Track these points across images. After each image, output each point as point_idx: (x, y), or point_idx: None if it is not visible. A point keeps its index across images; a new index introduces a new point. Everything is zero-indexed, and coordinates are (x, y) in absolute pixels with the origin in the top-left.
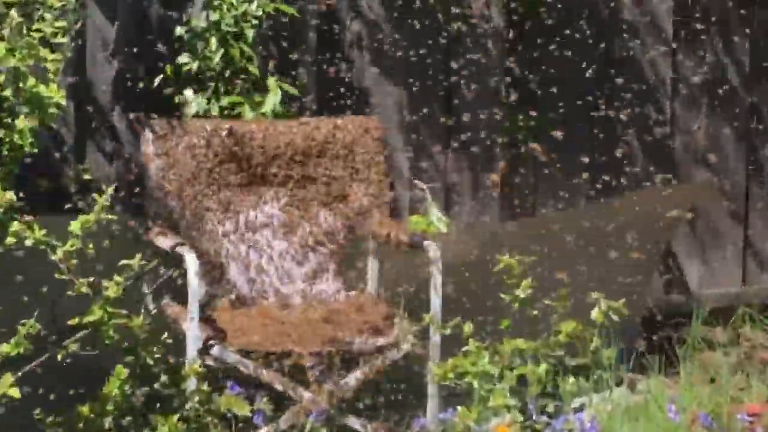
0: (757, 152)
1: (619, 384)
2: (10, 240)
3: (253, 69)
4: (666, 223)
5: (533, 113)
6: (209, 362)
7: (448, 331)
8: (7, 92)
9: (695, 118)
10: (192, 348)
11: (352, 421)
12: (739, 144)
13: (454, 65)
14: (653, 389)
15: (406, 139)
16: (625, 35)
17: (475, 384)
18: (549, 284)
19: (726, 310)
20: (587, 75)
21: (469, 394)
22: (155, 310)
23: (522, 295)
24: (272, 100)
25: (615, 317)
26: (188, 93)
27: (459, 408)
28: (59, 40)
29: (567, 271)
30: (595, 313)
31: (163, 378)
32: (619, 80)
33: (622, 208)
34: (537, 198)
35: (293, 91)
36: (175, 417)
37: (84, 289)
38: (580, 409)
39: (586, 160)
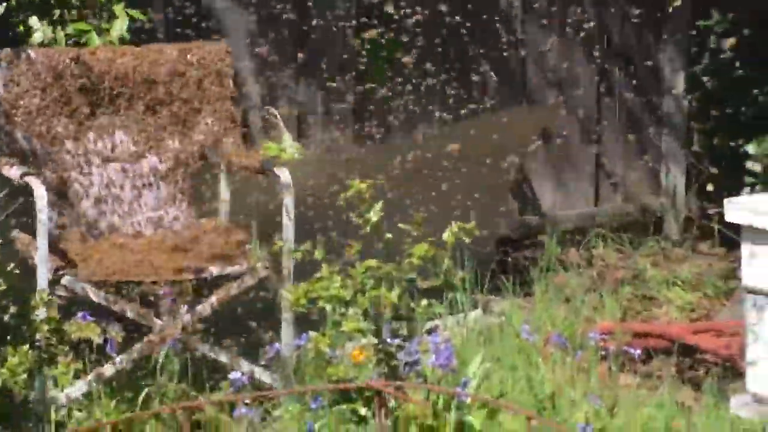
0: (607, 73)
1: (474, 306)
2: None
3: None
4: (518, 146)
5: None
6: (60, 292)
7: (299, 256)
8: None
9: (546, 39)
10: (42, 278)
11: (206, 349)
12: (589, 65)
13: None
14: (508, 311)
15: (257, 65)
16: None
17: (328, 308)
18: (404, 209)
19: (579, 231)
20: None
21: (325, 320)
22: (2, 241)
23: (373, 219)
24: (119, 27)
25: (467, 239)
26: (33, 21)
27: (312, 333)
28: None
29: (421, 196)
30: (446, 235)
31: (13, 309)
32: (470, 4)
33: (475, 132)
34: (390, 123)
35: (141, 16)
36: (26, 347)
37: None
38: (434, 331)
39: (438, 84)
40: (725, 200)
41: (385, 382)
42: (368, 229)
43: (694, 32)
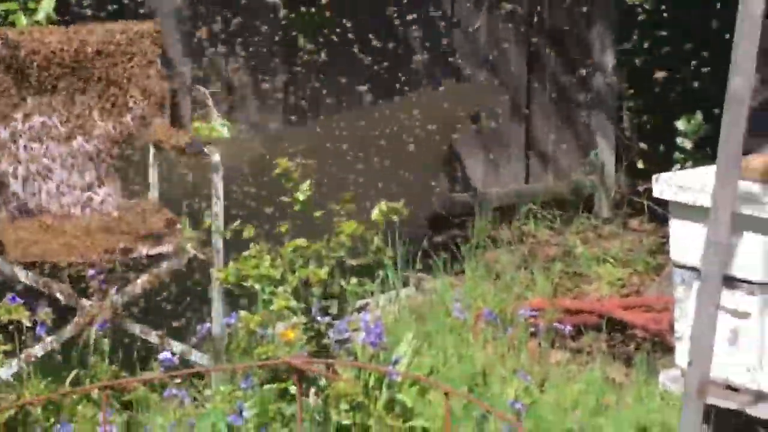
0: (537, 51)
1: (405, 284)
2: None
3: None
4: (449, 124)
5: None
6: None
7: (228, 235)
8: None
9: (475, 18)
10: None
11: (137, 329)
12: (519, 44)
13: None
14: (439, 288)
15: (186, 44)
16: None
17: (258, 287)
18: (335, 188)
19: (510, 208)
20: None
21: (257, 300)
22: None
23: (301, 198)
24: (46, 7)
25: (395, 217)
26: None
27: (242, 312)
28: None
29: (352, 174)
30: (374, 214)
31: None
32: None
33: (406, 110)
34: (321, 102)
35: None
36: None
37: None
38: (364, 309)
39: (368, 63)
40: (653, 176)
41: (305, 359)
42: (297, 207)
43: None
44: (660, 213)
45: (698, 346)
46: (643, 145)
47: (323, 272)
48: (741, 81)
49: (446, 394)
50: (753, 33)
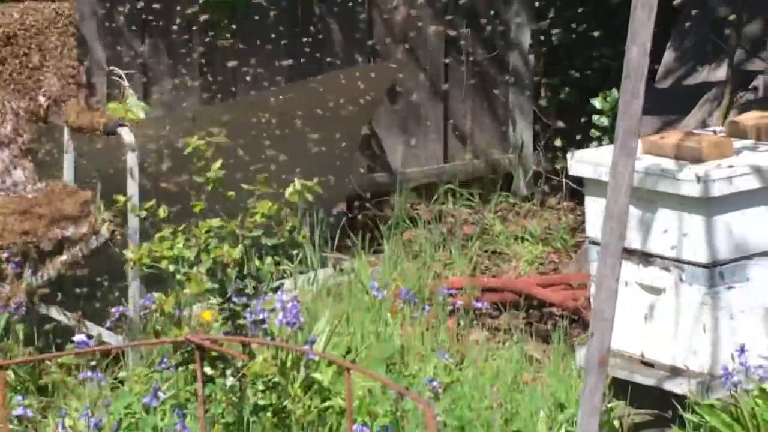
0: (454, 30)
1: (324, 264)
2: None
3: None
4: (366, 103)
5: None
6: None
7: (143, 214)
8: None
9: None
10: None
11: (52, 312)
12: (436, 21)
13: None
14: (357, 268)
15: (101, 25)
16: None
17: (171, 268)
18: (253, 168)
19: (429, 187)
20: None
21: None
22: None
23: (213, 177)
24: None
25: (310, 197)
26: None
27: (157, 294)
28: None
29: (269, 154)
30: (289, 193)
31: None
32: None
33: (323, 89)
34: (237, 82)
35: None
36: None
37: None
38: (279, 289)
39: (285, 42)
40: (568, 154)
41: (205, 336)
42: (210, 187)
43: None
44: (578, 191)
45: (599, 317)
46: (560, 124)
47: (237, 251)
48: (637, 51)
49: (348, 369)
50: (648, 3)
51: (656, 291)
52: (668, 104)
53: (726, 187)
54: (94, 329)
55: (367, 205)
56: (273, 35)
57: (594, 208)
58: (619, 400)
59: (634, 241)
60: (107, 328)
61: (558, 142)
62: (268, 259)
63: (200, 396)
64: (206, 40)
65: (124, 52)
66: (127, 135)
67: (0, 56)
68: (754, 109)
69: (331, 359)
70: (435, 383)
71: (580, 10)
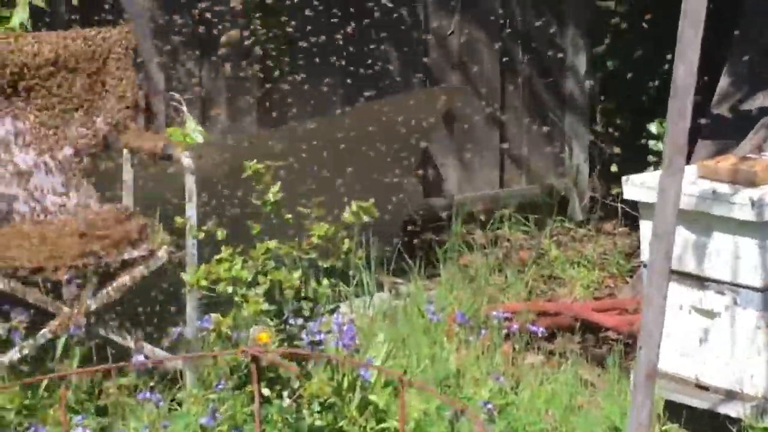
0: (510, 55)
1: (380, 288)
2: None
3: None
4: (423, 128)
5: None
6: None
7: (201, 236)
8: None
9: (448, 23)
10: None
11: (111, 333)
12: (492, 48)
13: None
14: (413, 292)
15: (159, 51)
16: None
17: (229, 290)
18: (310, 191)
19: (484, 212)
20: None
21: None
22: None
23: (271, 200)
24: (20, 15)
25: (366, 218)
26: None
27: (215, 315)
28: None
29: (327, 177)
30: (346, 215)
31: None
32: None
33: (380, 114)
34: (295, 106)
35: (41, 4)
36: None
37: None
38: (336, 311)
39: (341, 67)
40: (623, 178)
41: (261, 348)
42: (268, 209)
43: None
44: (633, 216)
45: (647, 333)
46: (616, 149)
47: (296, 277)
48: (684, 69)
49: (401, 380)
50: (696, 22)
51: (711, 314)
52: (724, 130)
53: None
54: (152, 350)
55: (423, 229)
56: (329, 60)
57: (648, 232)
58: (674, 423)
59: (688, 264)
60: (165, 349)
61: (614, 168)
62: (325, 281)
63: (257, 410)
64: (264, 64)
65: (182, 76)
66: (185, 159)
67: (59, 81)
68: None
69: (385, 371)
70: (490, 406)
71: (635, 36)
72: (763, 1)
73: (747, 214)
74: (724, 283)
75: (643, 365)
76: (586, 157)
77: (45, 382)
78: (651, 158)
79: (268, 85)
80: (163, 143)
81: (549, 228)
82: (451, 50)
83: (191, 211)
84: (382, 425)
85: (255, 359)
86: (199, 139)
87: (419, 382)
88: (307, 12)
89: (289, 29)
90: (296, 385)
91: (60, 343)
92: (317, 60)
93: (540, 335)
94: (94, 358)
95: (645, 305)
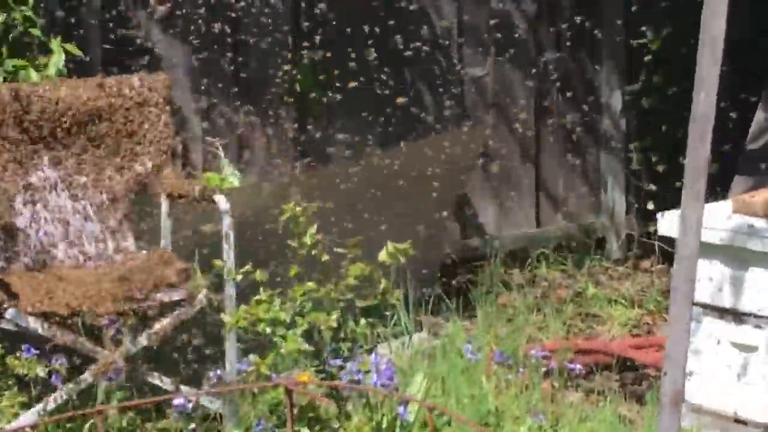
0: (545, 94)
1: (418, 328)
2: None
3: (36, 32)
4: (460, 168)
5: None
6: (4, 326)
7: (239, 278)
8: None
9: (483, 63)
10: None
11: (152, 377)
12: (526, 88)
13: (241, 23)
14: (451, 331)
15: (195, 97)
16: None
17: (268, 330)
18: (347, 232)
19: (521, 251)
20: (372, 28)
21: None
22: None
23: (308, 242)
24: (56, 62)
25: (402, 259)
26: None
27: (253, 357)
28: None
29: (364, 218)
30: (382, 255)
31: None
32: (408, 28)
33: (416, 155)
34: (331, 149)
35: (77, 51)
36: None
37: None
38: (374, 350)
39: (379, 109)
40: (658, 215)
41: (294, 381)
42: (305, 251)
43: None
44: (670, 253)
45: (671, 357)
46: (653, 186)
47: (333, 319)
48: (705, 97)
49: (429, 408)
50: (715, 49)
51: (749, 349)
52: (759, 164)
53: None
54: (192, 392)
55: (461, 269)
56: (365, 102)
57: None
58: None
59: (726, 299)
60: (206, 393)
61: (650, 205)
62: (362, 322)
63: None
64: (300, 107)
65: (219, 122)
66: (221, 202)
67: (98, 128)
68: None
69: (419, 402)
70: None
71: (669, 73)
72: None
73: None
74: (761, 317)
75: (669, 389)
76: (623, 195)
77: (87, 426)
78: None
79: (306, 128)
80: (200, 187)
81: (586, 266)
82: (486, 91)
83: (228, 254)
84: None
85: (289, 392)
86: (236, 182)
87: (455, 414)
88: (348, 53)
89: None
90: (336, 425)
91: (100, 388)
92: (352, 102)
93: (578, 373)
94: (135, 400)
95: (669, 329)
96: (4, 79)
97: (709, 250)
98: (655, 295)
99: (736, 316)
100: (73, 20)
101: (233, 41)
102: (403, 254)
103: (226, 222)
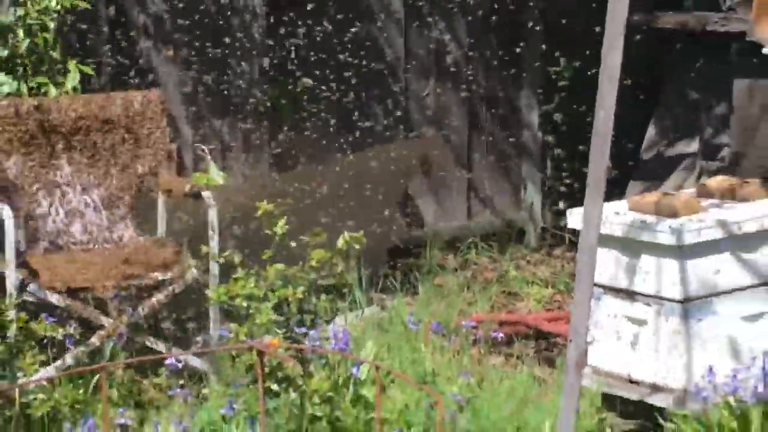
0: (476, 111)
1: (369, 303)
2: None
3: (56, 54)
4: (405, 172)
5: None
6: (27, 298)
7: (222, 261)
8: None
9: (425, 86)
10: (11, 286)
11: (148, 341)
12: (461, 106)
13: (224, 44)
14: (397, 306)
15: (188, 110)
16: (368, 19)
17: (245, 304)
18: (311, 223)
19: (455, 240)
20: (338, 55)
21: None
22: None
23: (279, 232)
24: (73, 80)
25: (357, 246)
26: (1, 76)
27: (233, 325)
28: None
29: (325, 212)
30: (339, 243)
31: None
32: (364, 56)
33: (369, 160)
34: (300, 155)
35: (90, 71)
36: None
37: None
38: (332, 321)
39: (338, 122)
40: (567, 211)
41: (265, 345)
42: (277, 239)
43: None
44: (577, 243)
45: (576, 330)
46: (563, 188)
47: (299, 292)
48: (604, 114)
49: (376, 367)
50: (612, 77)
51: (640, 322)
52: (651, 171)
53: (696, 237)
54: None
55: (406, 255)
56: (328, 116)
57: None
58: (609, 412)
59: (622, 282)
60: (193, 354)
61: (561, 204)
62: (323, 297)
63: (261, 397)
64: (274, 120)
65: (206, 130)
66: (207, 197)
67: (107, 136)
68: (720, 175)
69: (369, 363)
70: (459, 398)
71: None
72: (683, 63)
73: (668, 240)
74: (650, 296)
75: (573, 355)
76: (539, 195)
77: (94, 382)
78: None
79: (275, 134)
80: (190, 185)
81: (509, 253)
82: (427, 107)
83: (213, 239)
84: (371, 415)
85: (260, 354)
86: (220, 181)
87: (395, 372)
88: (313, 78)
89: (300, 92)
90: (300, 382)
91: (107, 350)
92: (319, 116)
93: (501, 341)
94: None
95: (575, 306)
96: (29, 94)
97: (608, 241)
98: (564, 278)
99: (630, 295)
100: (86, 45)
101: (220, 64)
102: (356, 242)
103: (211, 214)
